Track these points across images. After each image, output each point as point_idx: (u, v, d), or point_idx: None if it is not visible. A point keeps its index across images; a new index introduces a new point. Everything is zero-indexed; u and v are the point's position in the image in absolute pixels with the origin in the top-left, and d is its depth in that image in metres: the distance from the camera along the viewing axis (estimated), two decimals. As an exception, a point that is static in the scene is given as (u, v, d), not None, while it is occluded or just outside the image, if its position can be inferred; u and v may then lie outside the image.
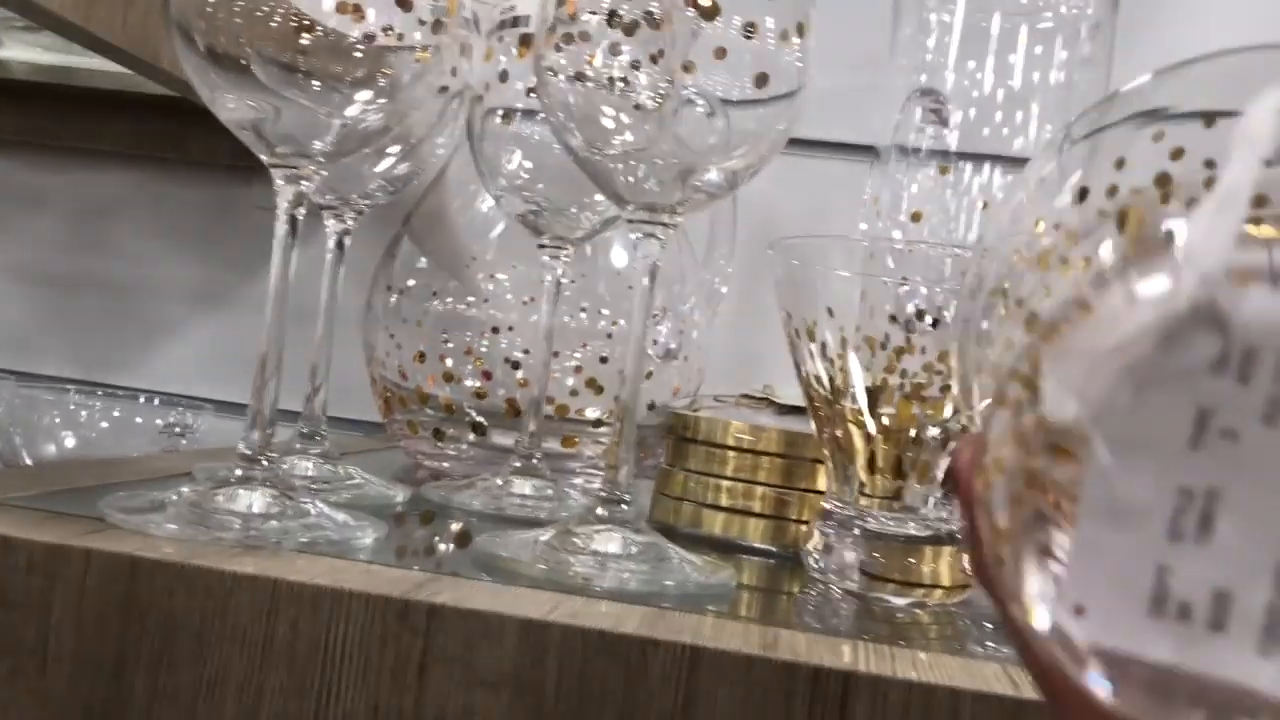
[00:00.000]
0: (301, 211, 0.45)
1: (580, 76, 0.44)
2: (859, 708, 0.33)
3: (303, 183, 0.44)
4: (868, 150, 0.89)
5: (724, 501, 0.57)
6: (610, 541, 0.44)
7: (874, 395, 0.48)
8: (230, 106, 0.42)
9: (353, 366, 0.77)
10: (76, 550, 0.36)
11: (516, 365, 0.70)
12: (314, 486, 0.52)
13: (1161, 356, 0.16)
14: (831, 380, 0.48)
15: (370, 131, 0.45)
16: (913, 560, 0.46)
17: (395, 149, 0.57)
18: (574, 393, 0.73)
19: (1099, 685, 0.18)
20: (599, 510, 0.45)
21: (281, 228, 0.45)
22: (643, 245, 0.45)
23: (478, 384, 0.71)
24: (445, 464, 0.72)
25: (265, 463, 0.43)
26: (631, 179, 0.44)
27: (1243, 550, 0.16)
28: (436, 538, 0.50)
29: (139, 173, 1.01)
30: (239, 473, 0.43)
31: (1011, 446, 0.18)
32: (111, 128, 0.97)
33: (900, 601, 0.45)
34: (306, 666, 0.35)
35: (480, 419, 0.71)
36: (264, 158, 0.44)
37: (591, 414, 0.72)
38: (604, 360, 0.73)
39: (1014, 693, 0.33)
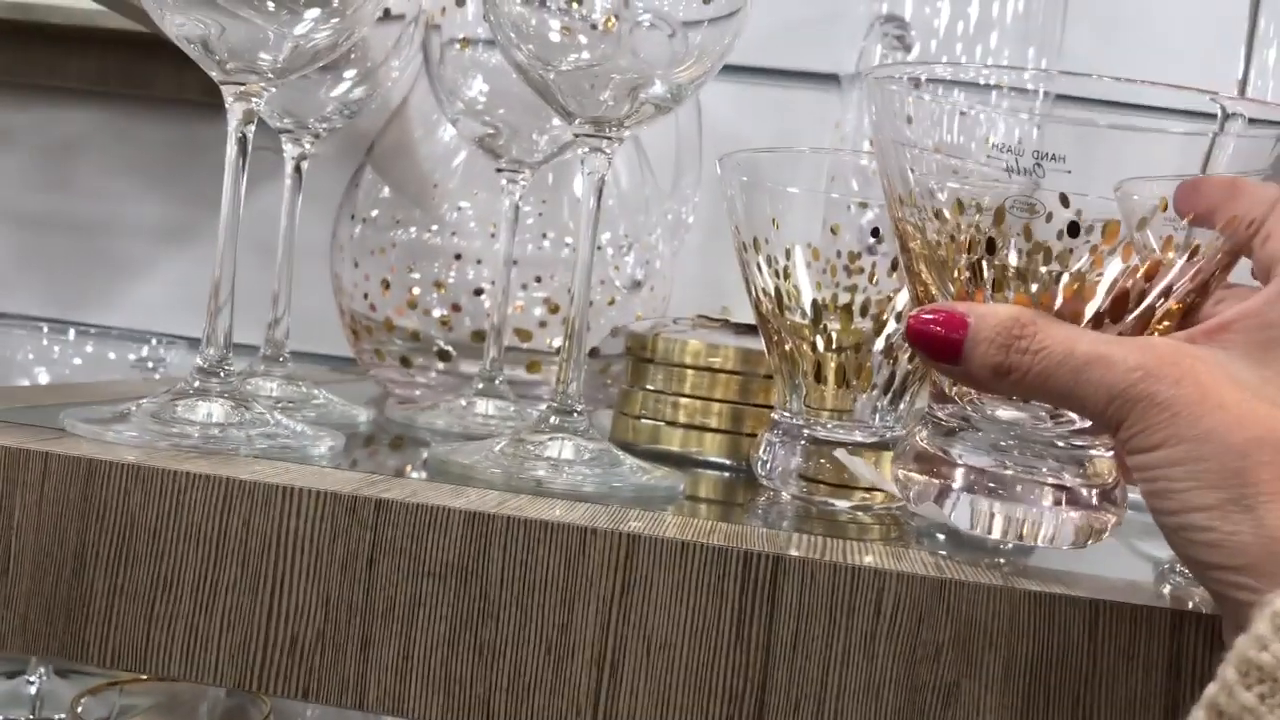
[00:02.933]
0: (251, 130, 0.45)
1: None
2: (789, 588, 0.34)
3: (253, 100, 0.45)
4: (833, 79, 0.90)
5: (681, 418, 0.58)
6: (563, 448, 0.45)
7: (821, 309, 0.49)
8: (178, 22, 0.42)
9: (324, 302, 0.78)
10: (35, 454, 0.37)
11: (481, 293, 0.71)
12: (278, 406, 0.53)
13: None
14: (779, 292, 0.49)
15: (319, 49, 0.45)
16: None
17: (351, 72, 0.57)
18: (542, 324, 0.74)
19: None
20: (552, 419, 0.46)
21: (232, 148, 0.45)
22: (589, 160, 0.46)
23: (444, 313, 0.72)
24: (415, 391, 0.73)
25: (223, 375, 0.44)
26: (578, 94, 0.45)
27: None
28: (394, 448, 0.51)
29: (105, 110, 1.01)
30: (197, 384, 0.44)
31: None
32: (77, 64, 0.97)
33: (843, 505, 0.47)
34: (259, 561, 0.36)
35: (447, 347, 0.72)
36: (213, 74, 0.44)
37: (558, 344, 0.73)
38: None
39: (937, 574, 0.34)
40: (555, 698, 0.35)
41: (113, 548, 0.37)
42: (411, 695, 0.35)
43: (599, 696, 0.35)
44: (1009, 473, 0.36)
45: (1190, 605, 0.34)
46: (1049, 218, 0.35)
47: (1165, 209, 0.35)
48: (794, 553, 0.35)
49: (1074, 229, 0.35)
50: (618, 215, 0.76)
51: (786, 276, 0.49)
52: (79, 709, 0.59)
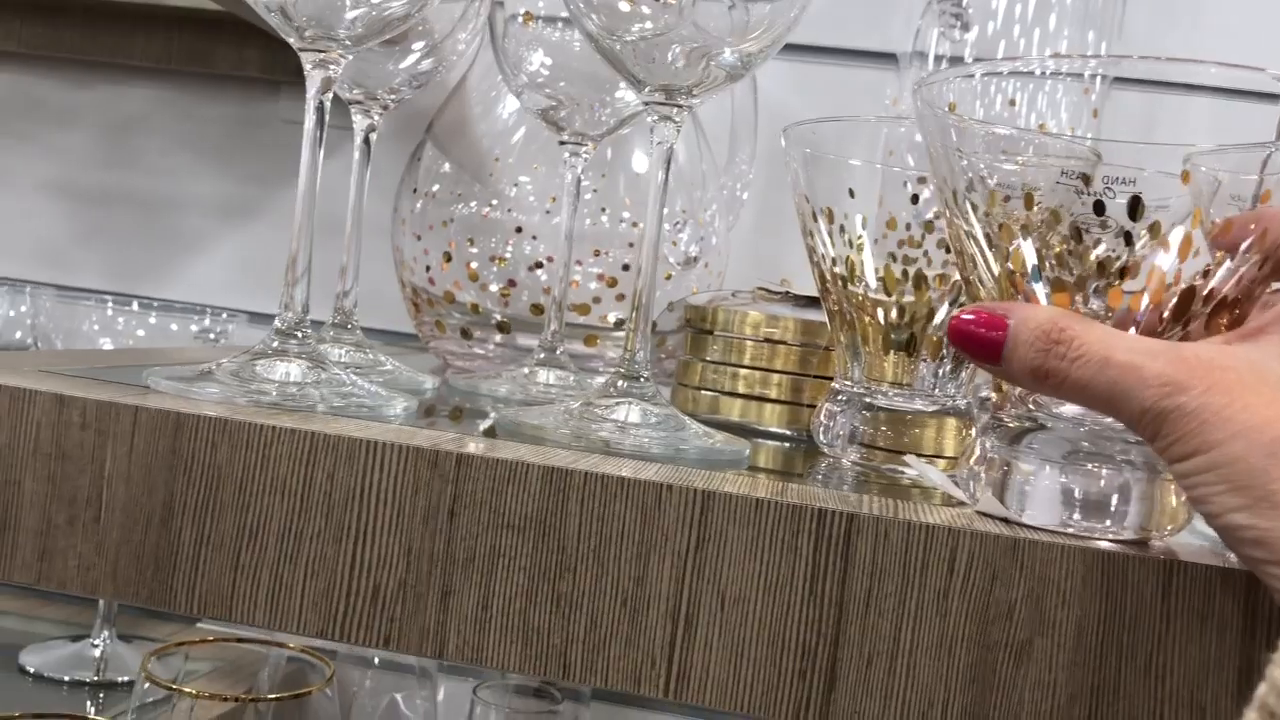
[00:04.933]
0: (329, 99, 0.46)
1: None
2: (862, 545, 0.35)
3: (330, 68, 0.46)
4: (889, 58, 0.90)
5: (741, 389, 0.58)
6: (630, 411, 0.46)
7: (885, 279, 0.49)
8: (259, -10, 0.43)
9: (382, 278, 0.79)
10: (125, 407, 0.38)
11: (539, 266, 0.72)
12: (348, 370, 0.54)
13: None
14: (842, 263, 0.50)
15: (394, 18, 0.46)
16: (918, 432, 0.48)
17: (419, 44, 0.58)
18: (597, 299, 0.74)
19: None
20: (619, 384, 0.47)
21: (310, 117, 0.46)
22: (659, 129, 0.47)
23: (502, 287, 0.73)
24: (474, 363, 0.74)
25: (300, 337, 0.46)
26: (647, 61, 0.45)
27: None
28: (460, 412, 0.52)
29: (168, 87, 1.02)
30: (275, 345, 0.45)
31: None
32: (140, 42, 0.99)
33: (906, 471, 0.47)
34: (342, 513, 0.37)
35: (506, 320, 0.73)
36: (291, 41, 0.45)
37: (614, 318, 0.74)
38: (626, 268, 0.74)
39: (1010, 533, 0.35)
40: (630, 649, 0.36)
41: (200, 499, 0.38)
42: (490, 644, 0.36)
43: (674, 649, 0.35)
44: (1077, 469, 0.36)
45: (1264, 567, 0.34)
46: (1105, 234, 0.36)
47: (1218, 188, 0.35)
48: (867, 510, 0.35)
49: (1136, 205, 0.36)
50: (674, 190, 0.77)
51: (851, 246, 0.49)
52: (149, 666, 0.61)
